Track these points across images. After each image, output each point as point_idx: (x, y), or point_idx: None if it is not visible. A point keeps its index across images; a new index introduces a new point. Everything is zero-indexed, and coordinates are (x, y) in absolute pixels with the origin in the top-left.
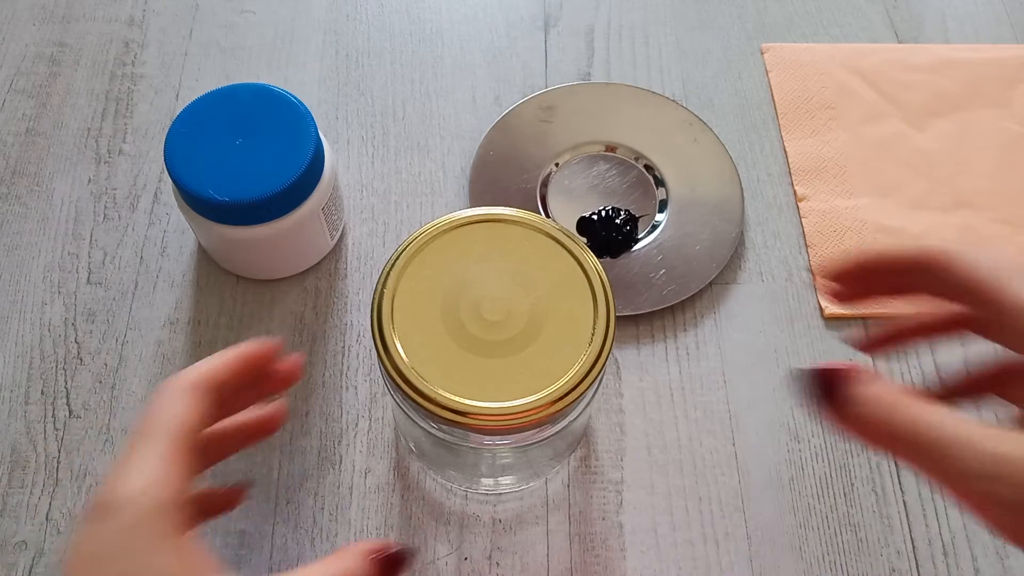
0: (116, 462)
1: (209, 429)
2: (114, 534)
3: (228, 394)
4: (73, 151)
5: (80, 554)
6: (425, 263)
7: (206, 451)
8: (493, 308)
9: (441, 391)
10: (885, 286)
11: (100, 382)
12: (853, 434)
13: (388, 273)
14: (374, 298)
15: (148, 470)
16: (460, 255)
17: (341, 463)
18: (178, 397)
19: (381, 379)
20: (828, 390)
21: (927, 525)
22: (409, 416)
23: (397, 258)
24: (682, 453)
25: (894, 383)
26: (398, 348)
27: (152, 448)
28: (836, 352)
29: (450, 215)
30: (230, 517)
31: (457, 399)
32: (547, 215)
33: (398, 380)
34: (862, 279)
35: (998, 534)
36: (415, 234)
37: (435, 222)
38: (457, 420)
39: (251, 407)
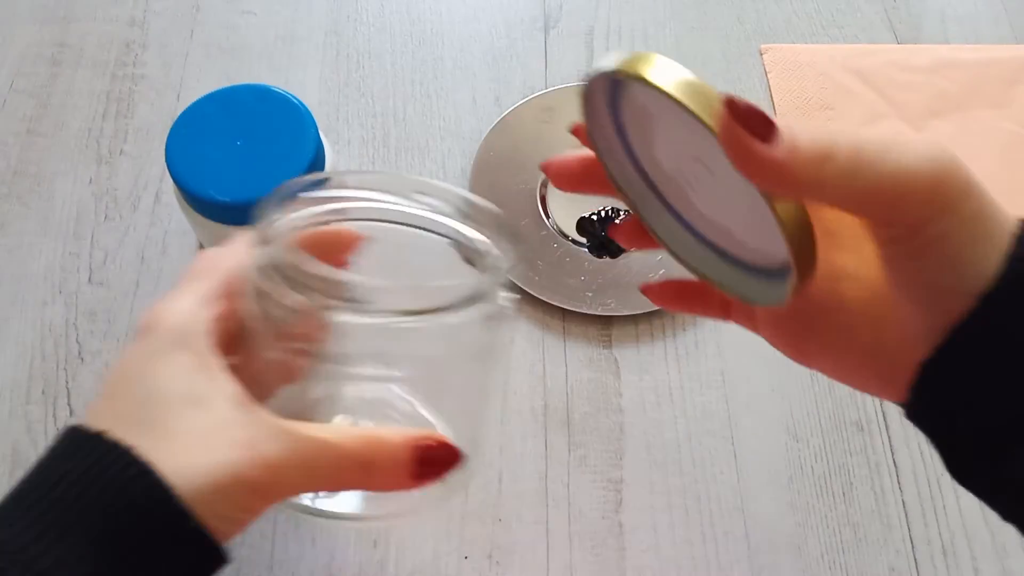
0: (166, 293)
1: None
2: (144, 354)
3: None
4: (74, 151)
5: (116, 369)
6: None
7: None
8: None
9: None
10: None
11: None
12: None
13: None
14: None
15: (188, 303)
16: None
17: None
18: (240, 247)
19: None
20: (757, 125)
21: (926, 525)
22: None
23: None
24: (682, 453)
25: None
26: None
27: (198, 286)
28: None
29: None
30: None
31: None
32: (547, 215)
33: None
34: None
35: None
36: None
37: None
38: None
39: None
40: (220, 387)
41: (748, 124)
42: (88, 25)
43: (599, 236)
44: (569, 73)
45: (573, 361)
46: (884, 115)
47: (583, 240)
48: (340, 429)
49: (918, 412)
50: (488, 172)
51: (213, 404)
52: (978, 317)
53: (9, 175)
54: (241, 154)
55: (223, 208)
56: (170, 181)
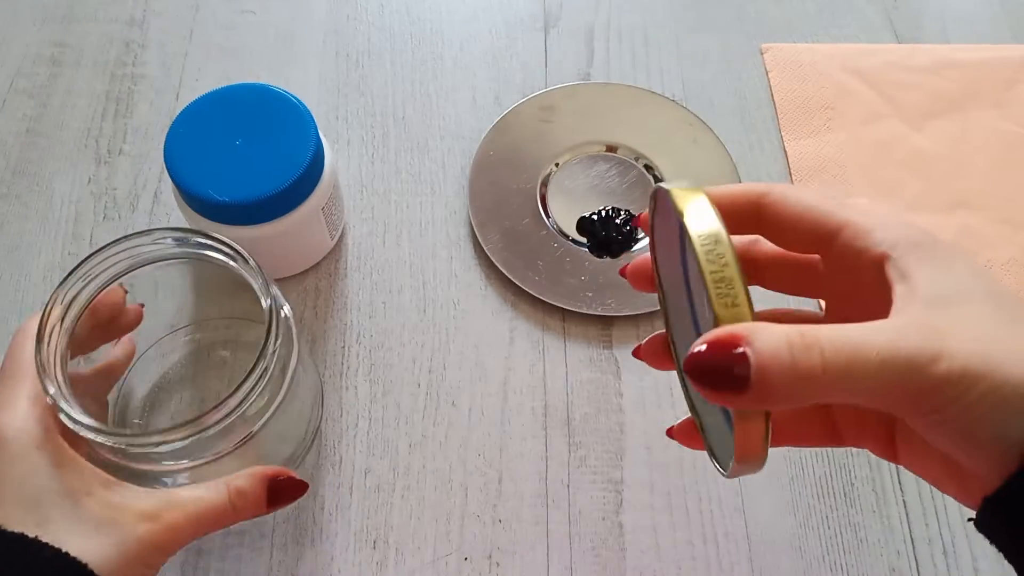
0: None
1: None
2: (7, 464)
3: (82, 337)
4: (73, 151)
5: None
6: None
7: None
8: None
9: None
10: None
11: None
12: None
13: None
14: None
15: (22, 409)
16: None
17: (341, 463)
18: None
19: (381, 380)
20: (720, 380)
21: (927, 525)
22: None
23: None
24: (682, 453)
25: (775, 330)
26: None
27: (21, 389)
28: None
29: None
30: None
31: None
32: (547, 215)
33: None
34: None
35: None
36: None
37: None
38: None
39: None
40: (91, 476)
41: (712, 381)
42: (88, 25)
43: (599, 236)
44: (569, 72)
45: (573, 361)
46: (884, 115)
47: (583, 240)
48: (209, 486)
49: (989, 533)
50: (488, 171)
51: (93, 491)
52: None
53: (8, 175)
54: (240, 154)
55: (222, 208)
56: (169, 181)
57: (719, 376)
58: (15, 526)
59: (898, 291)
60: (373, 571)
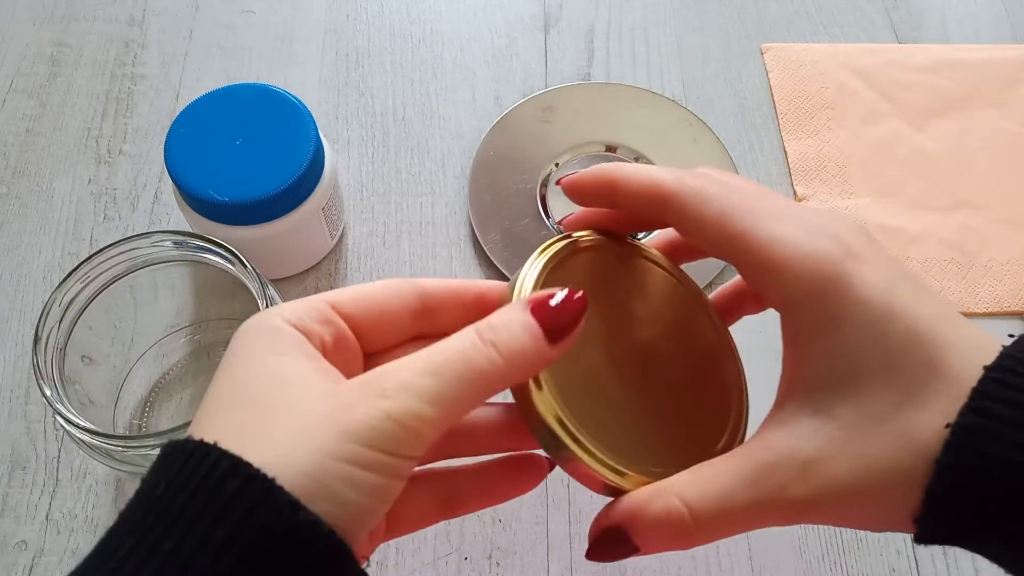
0: None
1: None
2: (225, 357)
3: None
4: (73, 151)
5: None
6: None
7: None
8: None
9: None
10: (626, 211)
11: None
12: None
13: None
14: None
15: (282, 305)
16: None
17: None
18: (385, 281)
19: None
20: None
21: None
22: None
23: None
24: None
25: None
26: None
27: (309, 296)
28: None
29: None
30: None
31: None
32: (547, 215)
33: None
34: (602, 196)
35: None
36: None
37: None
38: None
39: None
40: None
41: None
42: (87, 25)
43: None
44: (569, 72)
45: None
46: (885, 114)
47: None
48: (449, 339)
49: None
50: (488, 171)
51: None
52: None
53: (8, 175)
54: (240, 154)
55: (222, 208)
56: (169, 181)
57: (616, 551)
58: (213, 433)
59: (783, 375)
60: (373, 571)
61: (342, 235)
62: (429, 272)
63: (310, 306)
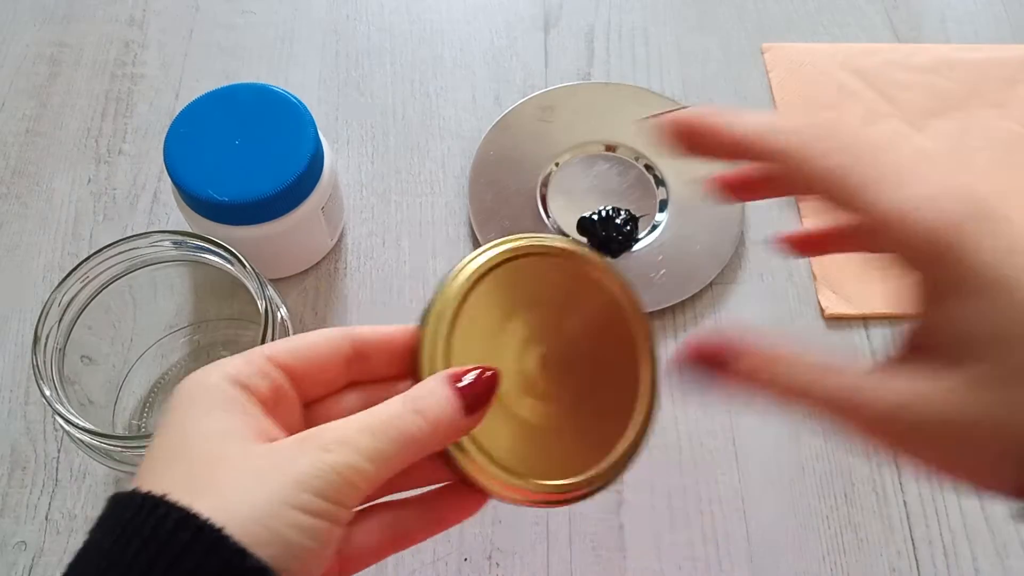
0: None
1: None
2: (164, 415)
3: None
4: (73, 151)
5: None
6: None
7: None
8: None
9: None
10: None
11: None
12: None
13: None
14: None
15: (220, 362)
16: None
17: None
18: (318, 331)
19: None
20: (713, 372)
21: (927, 525)
22: None
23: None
24: (682, 453)
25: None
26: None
27: (245, 352)
28: (836, 352)
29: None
30: None
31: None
32: (547, 215)
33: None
34: (712, 142)
35: (926, 469)
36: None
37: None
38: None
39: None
40: (267, 426)
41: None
42: (87, 25)
43: (599, 236)
44: (569, 72)
45: None
46: (885, 114)
47: (583, 240)
48: (383, 405)
49: None
50: (488, 171)
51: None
52: None
53: (8, 175)
54: (240, 153)
55: (222, 208)
56: (169, 180)
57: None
58: (157, 486)
59: (908, 327)
60: (373, 571)
61: (342, 235)
62: (429, 272)
63: (249, 360)
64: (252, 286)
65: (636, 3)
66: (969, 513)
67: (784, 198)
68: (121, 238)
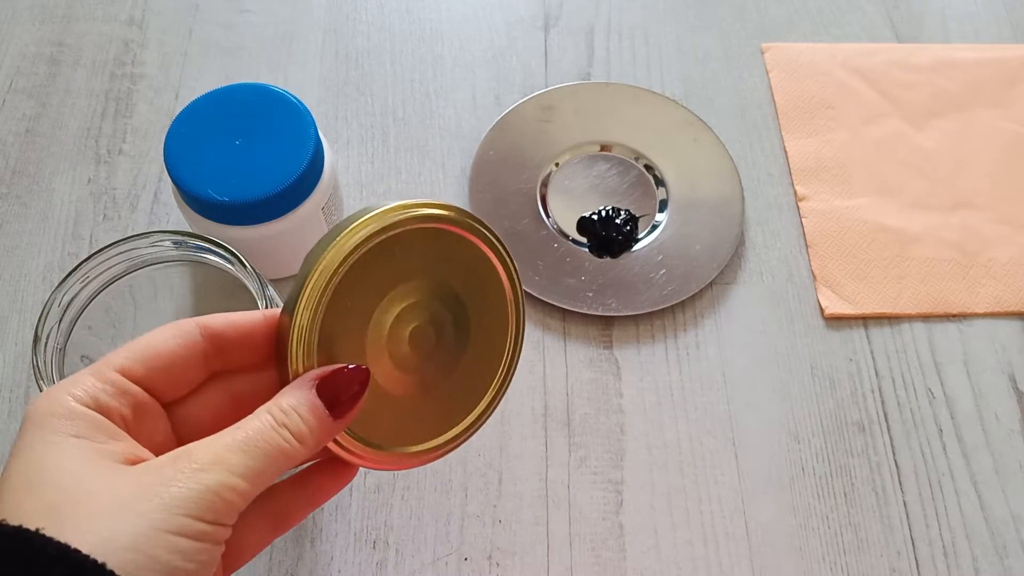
0: None
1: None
2: (18, 439)
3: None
4: (73, 151)
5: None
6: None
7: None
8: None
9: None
10: None
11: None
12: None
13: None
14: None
15: (71, 382)
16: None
17: None
18: (167, 327)
19: None
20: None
21: (927, 525)
22: None
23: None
24: (682, 453)
25: None
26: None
27: (93, 366)
28: (836, 352)
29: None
30: None
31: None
32: (547, 215)
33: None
34: None
35: None
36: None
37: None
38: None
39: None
40: (126, 451)
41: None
42: (87, 24)
43: (599, 236)
44: (569, 72)
45: (573, 361)
46: (885, 114)
47: (583, 240)
48: (243, 421)
49: None
50: (488, 171)
51: (125, 470)
52: None
53: (8, 175)
54: (240, 153)
55: (222, 208)
56: (169, 180)
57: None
58: (19, 517)
59: None
60: (373, 571)
61: None
62: None
63: (102, 380)
64: (252, 286)
65: (636, 3)
66: (969, 513)
67: (784, 195)
68: (121, 238)
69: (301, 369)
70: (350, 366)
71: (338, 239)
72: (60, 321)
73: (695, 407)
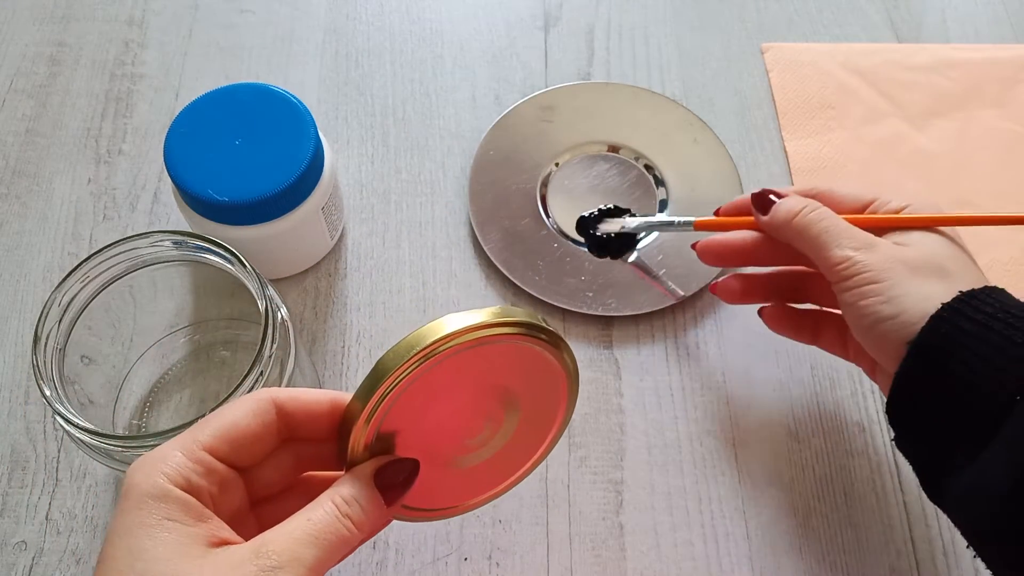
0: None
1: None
2: (118, 516)
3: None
4: (73, 151)
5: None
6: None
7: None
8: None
9: None
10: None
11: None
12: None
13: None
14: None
15: (163, 457)
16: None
17: None
18: (247, 403)
19: None
20: (761, 205)
21: (927, 525)
22: None
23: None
24: (682, 453)
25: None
26: None
27: (182, 439)
28: None
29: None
30: None
31: None
32: (547, 215)
33: None
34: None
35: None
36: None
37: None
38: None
39: None
40: (205, 534)
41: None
42: (87, 24)
43: (599, 236)
44: (569, 72)
45: None
46: (885, 114)
47: (583, 240)
48: (309, 507)
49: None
50: (488, 171)
51: (204, 554)
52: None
53: (8, 175)
54: (240, 153)
55: (222, 208)
56: (169, 181)
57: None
58: None
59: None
60: (373, 571)
61: (342, 235)
62: (429, 272)
63: (192, 459)
64: (252, 286)
65: (636, 3)
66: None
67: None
68: (121, 238)
69: (359, 453)
70: (403, 459)
71: (415, 351)
72: (60, 321)
73: (695, 407)
